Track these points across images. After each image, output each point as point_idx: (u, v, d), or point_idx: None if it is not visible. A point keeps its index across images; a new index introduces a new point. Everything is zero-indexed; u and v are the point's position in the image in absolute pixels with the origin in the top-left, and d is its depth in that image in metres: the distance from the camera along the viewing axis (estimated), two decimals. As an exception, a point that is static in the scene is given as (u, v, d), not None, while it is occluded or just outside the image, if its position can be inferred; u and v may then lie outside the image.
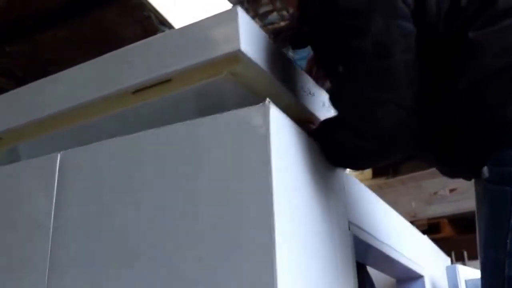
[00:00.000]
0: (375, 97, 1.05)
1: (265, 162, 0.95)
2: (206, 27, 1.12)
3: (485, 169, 1.12)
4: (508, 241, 1.02)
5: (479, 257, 1.17)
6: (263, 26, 4.20)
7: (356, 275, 1.31)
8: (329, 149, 1.22)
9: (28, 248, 1.20)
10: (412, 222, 5.62)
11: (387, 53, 1.04)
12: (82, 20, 3.24)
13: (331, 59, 1.19)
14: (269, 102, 0.98)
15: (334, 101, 1.20)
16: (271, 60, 1.16)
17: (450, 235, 5.23)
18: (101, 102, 1.23)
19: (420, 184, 5.13)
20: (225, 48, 1.06)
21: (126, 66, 1.19)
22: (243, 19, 1.07)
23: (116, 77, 1.22)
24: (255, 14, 3.81)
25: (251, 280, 0.92)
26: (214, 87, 1.12)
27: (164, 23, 3.36)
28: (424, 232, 5.79)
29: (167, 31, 1.27)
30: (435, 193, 5.06)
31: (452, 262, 4.81)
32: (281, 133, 1.03)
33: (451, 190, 4.90)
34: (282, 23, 4.24)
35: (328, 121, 1.27)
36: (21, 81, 3.97)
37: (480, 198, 1.41)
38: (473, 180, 1.43)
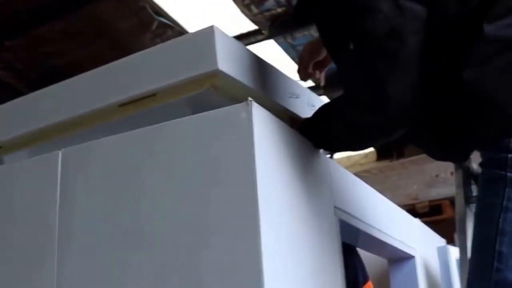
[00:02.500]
0: (386, 76, 1.08)
1: (249, 154, 1.02)
2: (185, 46, 1.19)
3: (480, 154, 1.18)
4: (500, 220, 1.09)
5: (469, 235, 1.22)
6: (260, 13, 4.20)
7: (342, 258, 1.36)
8: (326, 134, 1.26)
9: (35, 244, 1.24)
10: (413, 205, 5.67)
11: (399, 34, 1.07)
12: (78, 12, 3.26)
13: (339, 37, 1.20)
14: (251, 100, 1.05)
15: (344, 78, 1.21)
16: (251, 71, 1.21)
17: (452, 216, 5.25)
18: (90, 115, 1.31)
19: (421, 167, 5.16)
20: (204, 67, 1.13)
21: (112, 82, 1.26)
22: (220, 37, 1.13)
23: (102, 92, 1.28)
24: (251, 1, 3.81)
25: (236, 268, 0.98)
26: (197, 98, 1.18)
27: (160, 14, 3.37)
28: (426, 214, 5.81)
29: (149, 49, 1.31)
30: (436, 176, 5.09)
31: (454, 242, 4.85)
32: (264, 127, 1.08)
33: (452, 173, 4.94)
34: (279, 9, 4.24)
35: (328, 105, 1.30)
36: (21, 74, 4.02)
37: (460, 188, 1.48)
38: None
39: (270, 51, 4.30)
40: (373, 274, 2.22)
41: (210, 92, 1.16)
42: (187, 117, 1.12)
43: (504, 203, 1.09)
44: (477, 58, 1.08)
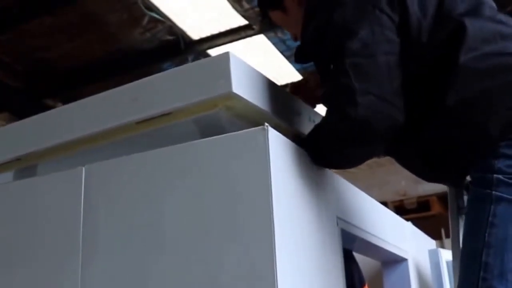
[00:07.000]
0: (357, 87, 1.18)
1: (266, 174, 1.12)
2: (202, 70, 1.27)
3: (470, 174, 1.26)
4: (486, 234, 1.18)
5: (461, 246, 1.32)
6: (251, 8, 4.18)
7: (343, 267, 1.42)
8: (319, 151, 1.31)
9: (61, 251, 1.32)
10: (402, 201, 5.70)
11: (370, 52, 1.21)
12: (68, 6, 3.20)
13: (326, 65, 1.32)
14: (267, 126, 1.15)
15: (326, 97, 1.30)
16: (261, 93, 1.30)
17: (439, 212, 5.30)
18: (109, 131, 1.38)
19: (409, 163, 5.18)
20: (219, 90, 1.21)
21: (132, 101, 1.33)
22: (235, 61, 1.21)
23: (121, 111, 1.36)
24: (243, -3, 3.79)
25: (252, 274, 1.07)
26: (210, 116, 1.27)
27: (151, 9, 3.33)
28: (414, 210, 5.82)
29: (167, 71, 1.37)
30: (424, 172, 5.11)
31: (441, 238, 4.90)
32: (278, 148, 1.18)
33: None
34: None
35: (317, 124, 1.38)
36: (9, 68, 3.95)
37: (453, 200, 1.58)
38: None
39: (261, 45, 4.29)
40: (367, 276, 2.24)
41: (220, 112, 1.24)
42: (207, 139, 1.22)
43: (490, 219, 1.18)
44: (457, 85, 1.20)
